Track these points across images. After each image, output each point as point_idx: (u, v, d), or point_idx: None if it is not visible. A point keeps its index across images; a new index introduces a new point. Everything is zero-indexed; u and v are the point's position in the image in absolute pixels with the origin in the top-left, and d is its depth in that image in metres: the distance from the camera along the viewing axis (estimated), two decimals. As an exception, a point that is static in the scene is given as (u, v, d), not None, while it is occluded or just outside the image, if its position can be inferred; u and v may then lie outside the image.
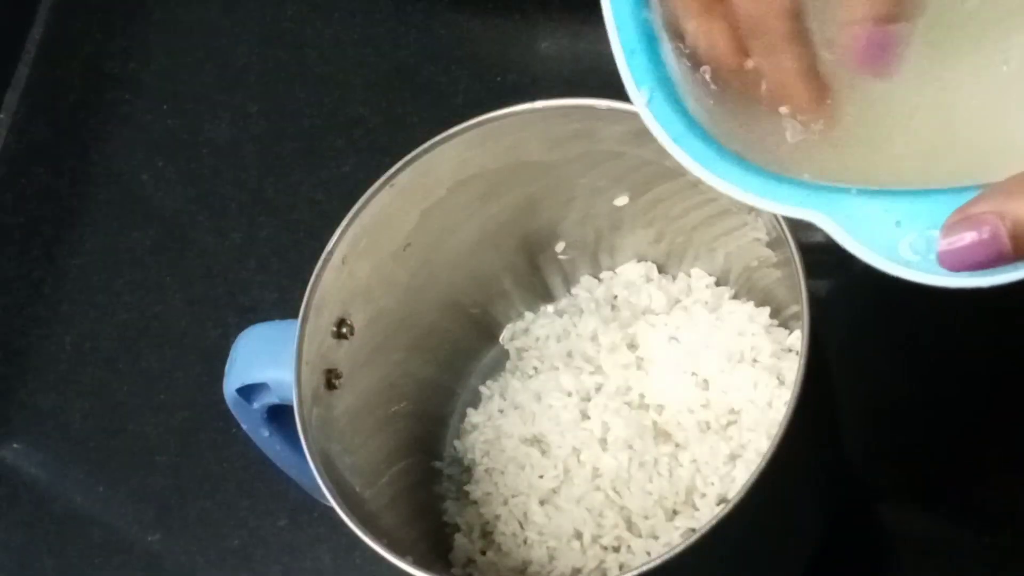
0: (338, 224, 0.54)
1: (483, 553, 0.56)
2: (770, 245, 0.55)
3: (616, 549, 0.54)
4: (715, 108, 0.44)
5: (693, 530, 0.49)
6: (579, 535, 0.54)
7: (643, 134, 0.53)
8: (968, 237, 0.37)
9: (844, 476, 0.58)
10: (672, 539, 0.53)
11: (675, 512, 0.53)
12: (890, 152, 0.43)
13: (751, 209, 0.53)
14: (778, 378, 0.54)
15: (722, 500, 0.53)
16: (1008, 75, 0.42)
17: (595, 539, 0.54)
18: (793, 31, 0.43)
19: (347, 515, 0.49)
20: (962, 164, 0.41)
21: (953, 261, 0.38)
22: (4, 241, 0.77)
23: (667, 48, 0.45)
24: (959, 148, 0.42)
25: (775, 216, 0.49)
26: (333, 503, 0.49)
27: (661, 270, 0.60)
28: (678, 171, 0.55)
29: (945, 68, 0.43)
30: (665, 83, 0.44)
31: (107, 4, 0.82)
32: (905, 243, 0.39)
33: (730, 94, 0.44)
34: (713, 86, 0.45)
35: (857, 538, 0.57)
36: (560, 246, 0.60)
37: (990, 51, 0.42)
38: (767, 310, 0.57)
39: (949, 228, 0.38)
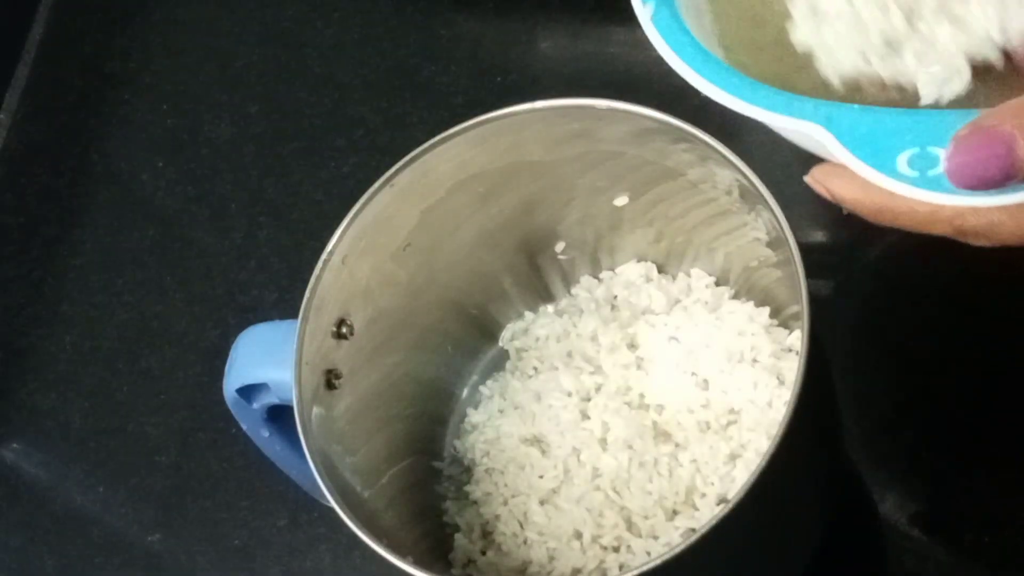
0: (338, 224, 0.54)
1: (483, 553, 0.56)
2: (770, 245, 0.55)
3: (616, 549, 0.54)
4: (718, 19, 0.44)
5: (693, 530, 0.49)
6: (579, 535, 0.54)
7: (643, 134, 0.54)
8: (981, 150, 0.35)
9: (844, 476, 0.58)
10: (672, 539, 0.53)
11: (675, 512, 0.53)
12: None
13: (751, 209, 0.53)
14: (778, 378, 0.54)
15: (722, 500, 0.53)
16: None
17: (595, 539, 0.54)
18: None
19: (347, 515, 0.49)
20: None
21: (962, 175, 0.36)
22: (4, 241, 0.77)
23: None
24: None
25: (775, 216, 0.49)
26: (333, 503, 0.49)
27: (661, 270, 0.60)
28: (678, 171, 0.55)
29: None
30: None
31: (107, 4, 0.82)
32: (904, 158, 0.38)
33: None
34: None
35: (857, 538, 0.57)
36: (560, 246, 0.60)
37: None
38: (767, 310, 0.57)
39: (961, 139, 0.36)
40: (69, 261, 0.75)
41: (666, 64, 0.45)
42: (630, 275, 0.60)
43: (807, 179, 0.41)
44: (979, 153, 0.35)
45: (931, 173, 0.37)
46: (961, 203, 0.37)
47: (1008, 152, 0.35)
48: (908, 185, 0.38)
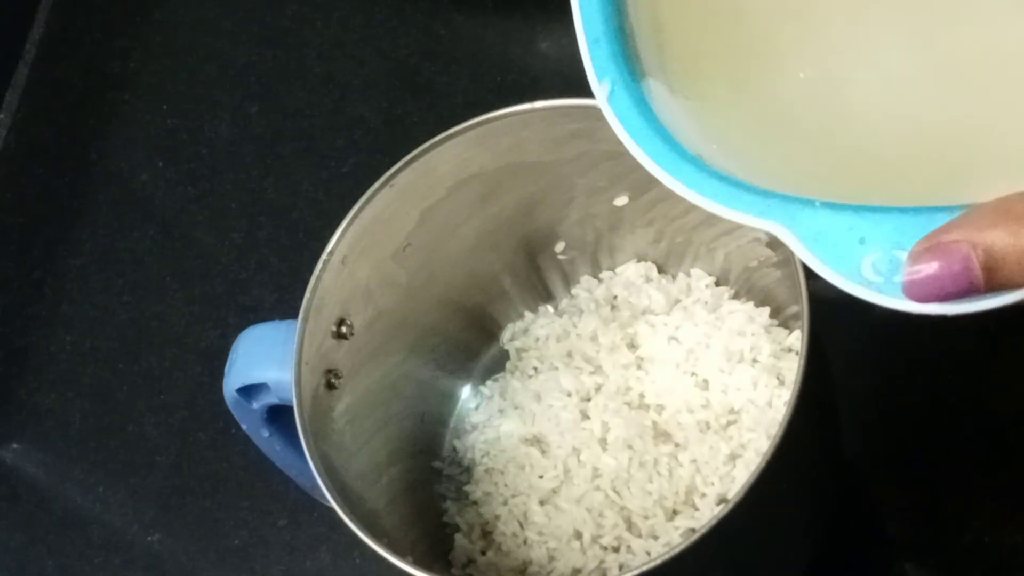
0: (338, 224, 0.54)
1: (483, 553, 0.56)
2: (770, 245, 0.55)
3: (616, 549, 0.54)
4: (683, 112, 0.42)
5: (693, 530, 0.49)
6: (579, 535, 0.54)
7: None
8: (936, 267, 0.35)
9: (844, 476, 0.58)
10: (672, 539, 0.53)
11: (675, 512, 0.53)
12: (856, 161, 0.41)
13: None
14: (778, 378, 0.54)
15: (722, 500, 0.53)
16: (978, 82, 0.40)
17: (595, 539, 0.54)
18: None
19: (347, 515, 0.49)
20: (932, 181, 0.39)
21: (919, 292, 0.35)
22: (4, 241, 0.77)
23: (644, 44, 0.42)
24: (928, 162, 0.40)
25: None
26: (333, 503, 0.49)
27: (661, 270, 0.60)
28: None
29: (913, 66, 0.41)
30: (629, 77, 0.42)
31: (107, 4, 0.82)
32: (868, 262, 0.37)
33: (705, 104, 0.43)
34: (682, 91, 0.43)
35: (857, 538, 0.57)
36: (560, 246, 0.60)
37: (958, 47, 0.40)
38: (767, 310, 0.57)
39: (916, 256, 0.35)
40: (69, 261, 0.75)
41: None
42: (630, 275, 0.60)
43: None
44: (936, 271, 0.35)
45: (896, 279, 0.36)
46: (923, 312, 0.36)
47: (965, 271, 0.34)
48: (872, 292, 0.37)
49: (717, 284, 0.59)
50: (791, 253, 0.49)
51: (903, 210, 0.37)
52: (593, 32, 0.42)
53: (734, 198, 0.40)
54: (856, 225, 0.37)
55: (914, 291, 0.36)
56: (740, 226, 0.55)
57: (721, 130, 0.42)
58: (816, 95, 0.42)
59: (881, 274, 0.37)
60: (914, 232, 0.36)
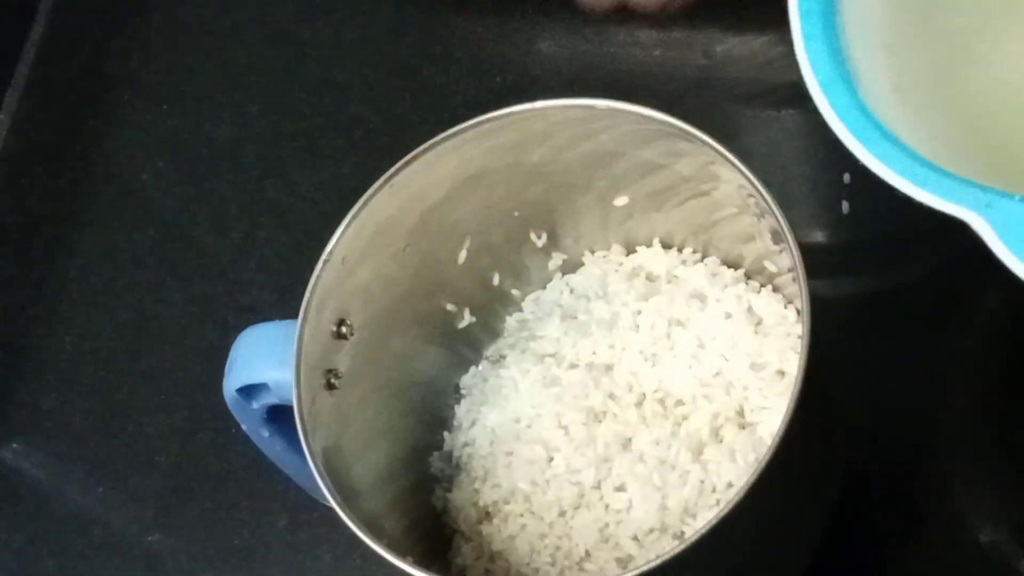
0: (338, 224, 0.54)
1: (483, 553, 0.56)
2: (771, 245, 0.55)
3: (616, 549, 0.54)
4: (886, 96, 0.43)
5: (693, 531, 0.49)
6: (579, 534, 0.54)
7: (643, 134, 0.54)
8: None
9: (844, 475, 0.58)
10: (671, 540, 0.53)
11: (676, 513, 0.53)
12: None
13: (752, 210, 0.53)
14: (780, 375, 0.54)
15: (721, 501, 0.53)
16: None
17: (595, 539, 0.54)
18: None
19: (347, 515, 0.49)
20: None
21: None
22: (4, 241, 0.77)
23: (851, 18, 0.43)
24: None
25: (776, 216, 0.49)
26: (333, 503, 0.49)
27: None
28: (679, 171, 0.55)
29: None
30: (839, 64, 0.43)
31: (107, 4, 0.82)
32: None
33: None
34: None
35: (856, 538, 0.57)
36: (560, 245, 0.60)
37: None
38: (768, 309, 0.57)
39: None
40: (69, 261, 0.75)
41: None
42: (629, 272, 0.60)
43: None
44: None
45: None
46: None
47: None
48: None
49: (718, 282, 0.59)
50: (791, 253, 0.49)
51: None
52: (810, 29, 0.44)
53: (931, 182, 0.40)
54: None
55: None
56: (741, 226, 0.55)
57: (925, 119, 0.43)
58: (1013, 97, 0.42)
59: None
60: None
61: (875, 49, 0.44)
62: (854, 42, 0.44)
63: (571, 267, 0.61)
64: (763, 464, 0.46)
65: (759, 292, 0.57)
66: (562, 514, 0.55)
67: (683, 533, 0.53)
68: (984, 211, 0.39)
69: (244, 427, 0.57)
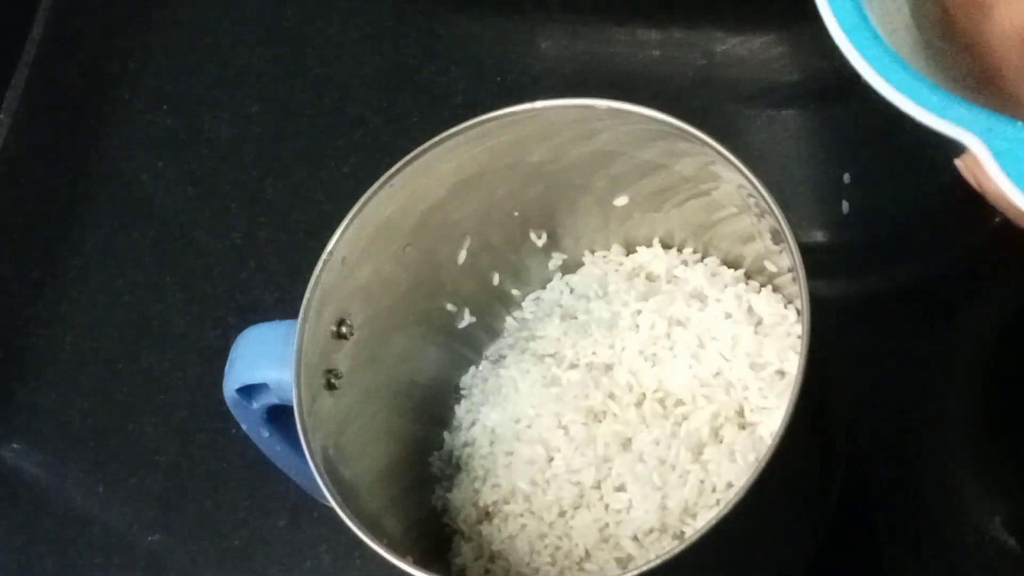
0: (338, 224, 0.54)
1: (483, 553, 0.56)
2: (771, 244, 0.55)
3: (616, 549, 0.54)
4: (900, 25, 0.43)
5: (693, 531, 0.49)
6: (580, 534, 0.54)
7: (643, 134, 0.54)
8: None
9: (843, 476, 0.57)
10: (671, 540, 0.53)
11: (676, 513, 0.53)
12: None
13: (752, 209, 0.53)
14: (779, 375, 0.54)
15: (721, 501, 0.53)
16: None
17: (595, 539, 0.54)
18: None
19: (347, 515, 0.49)
20: None
21: None
22: (4, 241, 0.77)
23: None
24: None
25: (776, 216, 0.49)
26: (333, 503, 0.49)
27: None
28: (678, 171, 0.55)
29: None
30: None
31: (107, 4, 0.82)
32: None
33: None
34: None
35: (857, 538, 0.57)
36: (560, 246, 0.60)
37: None
38: (768, 309, 0.57)
39: None
40: (69, 261, 0.75)
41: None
42: (629, 272, 0.60)
43: (957, 162, 0.40)
44: None
45: None
46: None
47: None
48: None
49: (719, 281, 0.59)
50: (791, 253, 0.49)
51: None
52: None
53: (934, 104, 0.40)
54: None
55: None
56: (741, 226, 0.55)
57: (937, 54, 0.43)
58: None
59: None
60: None
61: None
62: None
63: (571, 267, 0.61)
64: (763, 464, 0.46)
65: (759, 292, 0.57)
66: (562, 514, 0.55)
67: (683, 533, 0.53)
68: (985, 135, 0.38)
69: (244, 427, 0.57)
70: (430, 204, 0.56)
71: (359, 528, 0.49)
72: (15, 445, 0.71)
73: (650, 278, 0.59)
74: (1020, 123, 0.38)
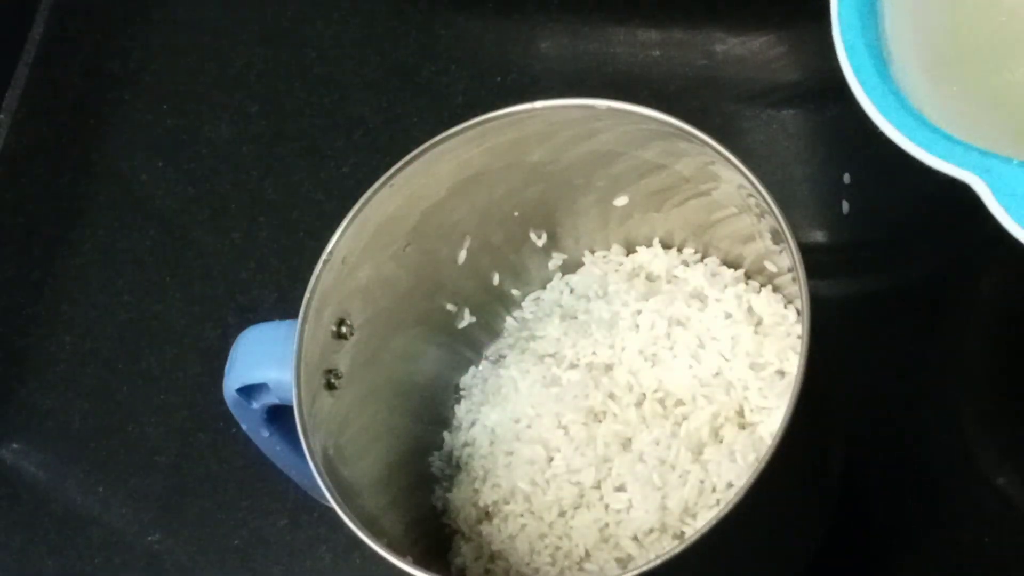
0: (338, 224, 0.54)
1: (483, 553, 0.56)
2: (771, 244, 0.55)
3: (616, 549, 0.54)
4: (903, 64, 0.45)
5: (693, 531, 0.49)
6: (580, 534, 0.54)
7: (643, 134, 0.54)
8: None
9: (844, 475, 0.58)
10: (671, 540, 0.53)
11: (676, 513, 0.53)
12: None
13: (752, 209, 0.53)
14: (779, 375, 0.55)
15: (721, 501, 0.53)
16: None
17: (595, 539, 0.54)
18: None
19: (347, 515, 0.49)
20: None
21: None
22: (4, 241, 0.77)
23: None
24: None
25: (775, 216, 0.49)
26: (333, 503, 0.49)
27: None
28: (678, 171, 0.55)
29: None
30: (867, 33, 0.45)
31: (107, 4, 0.82)
32: None
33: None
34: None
35: (857, 538, 0.57)
36: (560, 246, 0.60)
37: None
38: (768, 308, 0.57)
39: None
40: (69, 261, 0.75)
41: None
42: (629, 271, 0.60)
43: None
44: None
45: None
46: None
47: None
48: None
49: (719, 280, 0.59)
50: (791, 253, 0.49)
51: None
52: None
53: (935, 144, 0.41)
54: None
55: None
56: (741, 226, 0.55)
57: (940, 91, 0.44)
58: None
59: None
60: None
61: (907, 28, 0.46)
62: (890, 20, 0.45)
63: (571, 267, 0.61)
64: (763, 464, 0.46)
65: (759, 292, 0.57)
66: (562, 514, 0.55)
67: (683, 533, 0.53)
68: (984, 174, 0.40)
69: (244, 427, 0.57)
70: (430, 204, 0.56)
71: (359, 528, 0.49)
72: (15, 445, 0.71)
73: (650, 278, 0.59)
74: (1017, 161, 0.40)
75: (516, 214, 0.58)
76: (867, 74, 0.44)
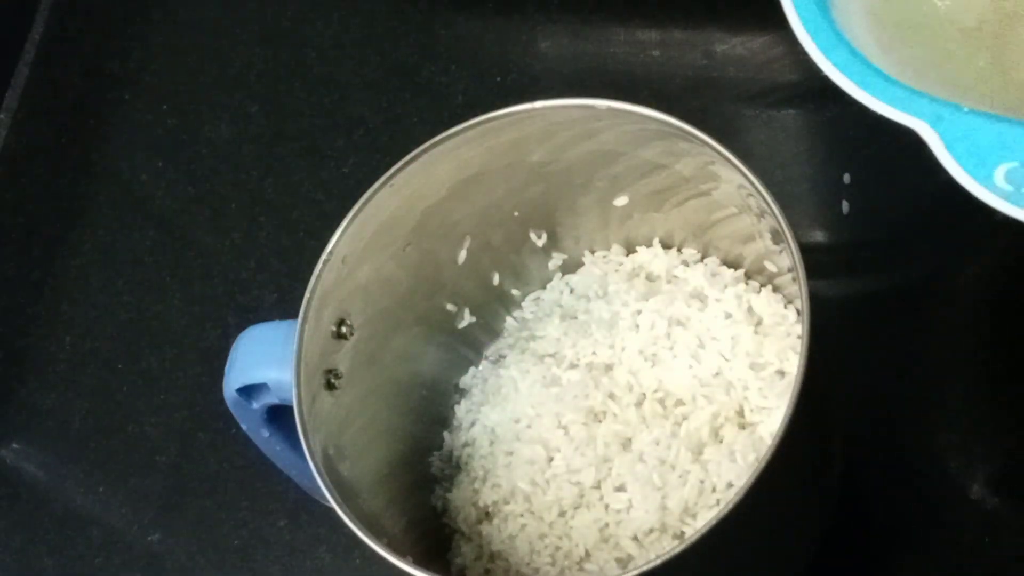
0: (338, 224, 0.54)
1: (483, 553, 0.56)
2: (771, 244, 0.55)
3: (616, 549, 0.54)
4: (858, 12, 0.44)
5: (693, 531, 0.49)
6: (580, 534, 0.54)
7: (643, 134, 0.54)
8: None
9: (844, 476, 0.58)
10: (671, 540, 0.53)
11: (676, 513, 0.53)
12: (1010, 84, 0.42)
13: (752, 209, 0.53)
14: (779, 375, 0.55)
15: (721, 501, 0.53)
16: None
17: (595, 539, 0.54)
18: None
19: (347, 515, 0.49)
20: None
21: None
22: (4, 241, 0.77)
23: None
24: None
25: (775, 216, 0.49)
26: (333, 503, 0.49)
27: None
28: (678, 171, 0.55)
29: None
30: None
31: (107, 4, 0.82)
32: (1002, 171, 0.38)
33: None
34: None
35: (857, 538, 0.57)
36: (560, 246, 0.60)
37: None
38: (769, 308, 0.57)
39: None
40: (69, 261, 0.75)
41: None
42: (629, 271, 0.60)
43: None
44: None
45: None
46: None
47: None
48: (1000, 199, 0.38)
49: (719, 280, 0.59)
50: (791, 253, 0.49)
51: None
52: None
53: (884, 91, 0.41)
54: (1001, 133, 0.38)
55: None
56: (743, 226, 0.55)
57: (894, 42, 0.43)
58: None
59: (1013, 183, 0.37)
60: None
61: None
62: None
63: (571, 267, 0.61)
64: (763, 464, 0.46)
65: (759, 292, 0.57)
66: (562, 514, 0.55)
67: (683, 533, 0.53)
68: (935, 123, 0.39)
69: (244, 427, 0.57)
70: (430, 204, 0.56)
71: (359, 528, 0.49)
72: (15, 445, 0.71)
73: (650, 278, 0.59)
74: (967, 108, 0.39)
75: (516, 214, 0.58)
76: (810, 13, 0.43)
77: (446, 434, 0.60)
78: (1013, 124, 0.38)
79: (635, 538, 0.53)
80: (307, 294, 0.53)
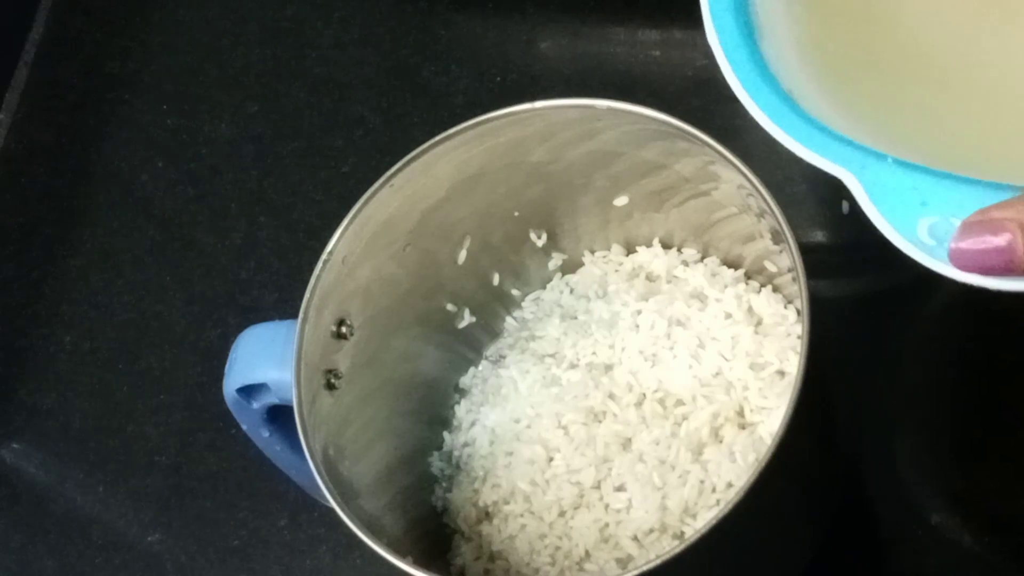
0: (338, 224, 0.54)
1: (483, 552, 0.56)
2: (771, 244, 0.55)
3: (616, 549, 0.54)
4: (788, 49, 0.43)
5: (693, 531, 0.49)
6: (580, 534, 0.54)
7: (643, 134, 0.54)
8: (983, 240, 0.36)
9: (843, 476, 0.58)
10: (671, 540, 0.53)
11: (676, 513, 0.53)
12: (943, 128, 0.41)
13: (752, 209, 0.53)
14: (779, 375, 0.55)
15: (721, 501, 0.53)
16: None
17: (595, 539, 0.54)
18: None
19: (347, 515, 0.49)
20: (1012, 160, 0.40)
21: (962, 260, 0.36)
22: (4, 241, 0.77)
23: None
24: (1012, 142, 0.40)
25: (775, 216, 0.49)
26: (333, 503, 0.49)
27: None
28: (678, 171, 0.55)
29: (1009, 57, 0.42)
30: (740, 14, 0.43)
31: (107, 4, 0.82)
32: (924, 225, 0.38)
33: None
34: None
35: (856, 538, 0.57)
36: (560, 246, 0.60)
37: None
38: (769, 308, 0.57)
39: (966, 226, 0.36)
40: (69, 261, 0.75)
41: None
42: (630, 271, 0.60)
43: (952, 247, 0.39)
44: (980, 244, 0.36)
45: (947, 245, 0.37)
46: (967, 282, 0.37)
47: (1008, 247, 0.35)
48: (922, 253, 0.38)
49: (719, 280, 0.59)
50: (791, 253, 0.49)
51: (971, 181, 0.37)
52: None
53: (811, 139, 0.41)
54: (921, 186, 0.38)
55: (958, 259, 0.36)
56: (743, 226, 0.55)
57: (828, 75, 0.43)
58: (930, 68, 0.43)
59: (935, 238, 0.37)
60: (975, 203, 0.37)
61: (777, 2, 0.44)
62: None
63: (571, 267, 0.61)
64: (763, 464, 0.46)
65: (759, 292, 0.57)
66: (562, 514, 0.55)
67: (683, 533, 0.53)
68: (860, 172, 0.39)
69: (244, 427, 0.57)
70: (430, 204, 0.56)
71: (359, 528, 0.49)
72: (15, 445, 0.71)
73: (650, 278, 0.59)
74: (890, 158, 0.39)
75: (516, 214, 0.58)
76: (734, 45, 0.43)
77: (446, 434, 0.60)
78: (932, 177, 0.38)
79: (635, 538, 0.53)
80: (307, 294, 0.53)
